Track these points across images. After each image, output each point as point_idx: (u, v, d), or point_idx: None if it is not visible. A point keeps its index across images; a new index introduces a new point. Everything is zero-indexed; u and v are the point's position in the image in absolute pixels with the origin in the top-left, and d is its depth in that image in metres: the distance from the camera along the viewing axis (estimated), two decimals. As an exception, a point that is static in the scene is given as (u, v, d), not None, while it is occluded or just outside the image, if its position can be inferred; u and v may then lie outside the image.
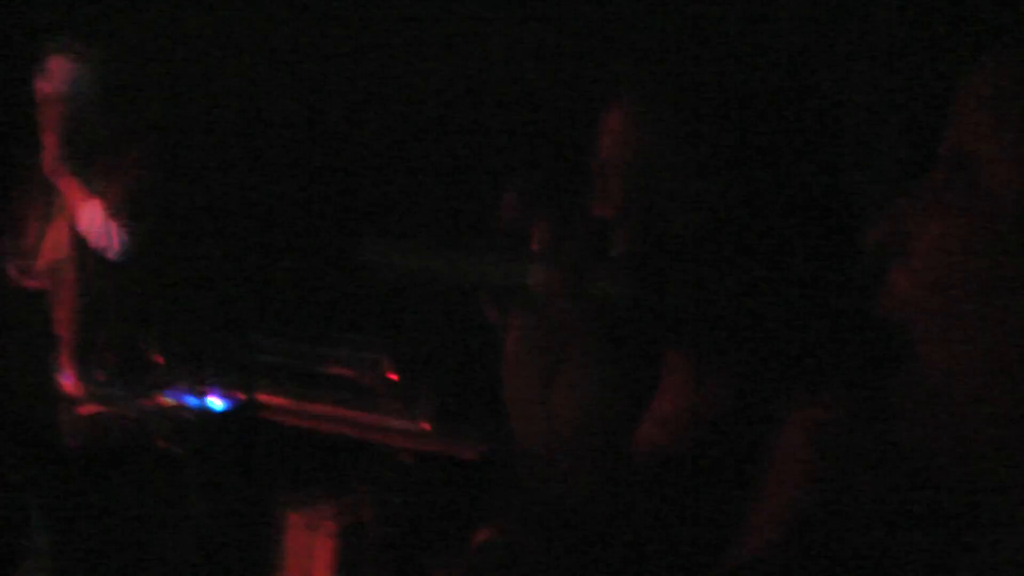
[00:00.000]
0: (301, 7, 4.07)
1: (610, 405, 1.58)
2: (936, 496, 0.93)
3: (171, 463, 3.30)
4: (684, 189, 1.55)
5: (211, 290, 3.91)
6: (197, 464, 3.29)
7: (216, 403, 3.41)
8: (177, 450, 3.30)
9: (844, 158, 1.62)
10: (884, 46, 2.92)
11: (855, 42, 2.93)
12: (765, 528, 1.32)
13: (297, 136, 4.15)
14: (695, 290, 1.52)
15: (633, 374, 1.63)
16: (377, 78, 3.95)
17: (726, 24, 3.08)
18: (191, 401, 3.42)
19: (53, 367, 3.40)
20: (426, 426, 3.19)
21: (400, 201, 3.92)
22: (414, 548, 2.99)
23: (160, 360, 3.54)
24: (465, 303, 3.33)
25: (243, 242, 4.10)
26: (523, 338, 1.68)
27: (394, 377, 3.33)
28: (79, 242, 3.51)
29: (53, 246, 3.64)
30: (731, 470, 1.43)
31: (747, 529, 1.34)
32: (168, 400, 3.43)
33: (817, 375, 1.40)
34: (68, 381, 3.44)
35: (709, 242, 1.53)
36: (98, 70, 3.61)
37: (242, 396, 3.44)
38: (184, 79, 4.21)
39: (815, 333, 1.46)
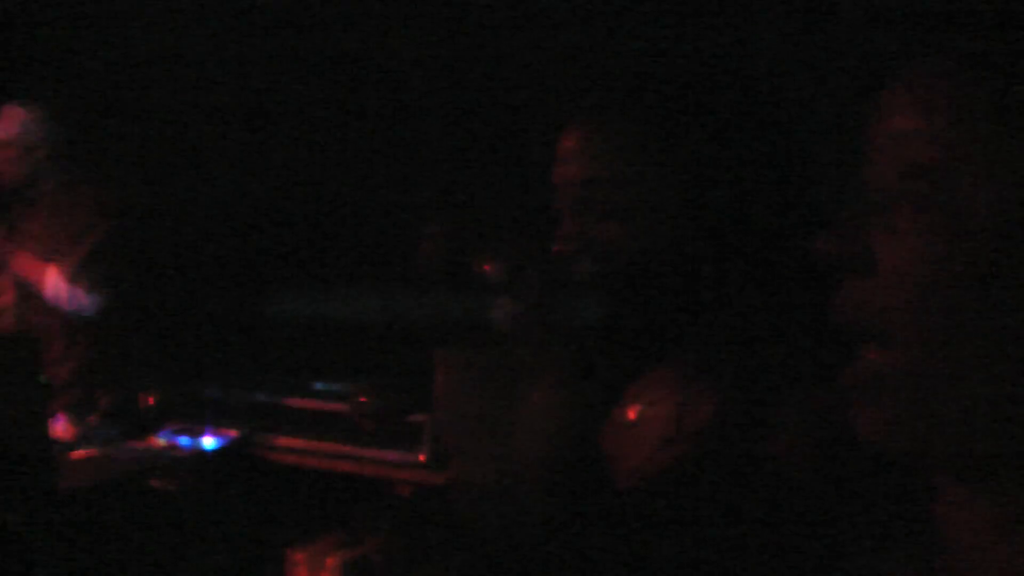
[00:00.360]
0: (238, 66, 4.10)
1: (577, 431, 1.58)
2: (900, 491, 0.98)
3: (166, 503, 3.30)
4: (646, 207, 1.56)
5: (201, 331, 3.92)
6: (193, 504, 3.30)
7: (209, 442, 3.41)
8: (172, 490, 3.30)
9: (808, 168, 1.65)
10: (849, 58, 2.96)
11: (820, 56, 2.98)
12: (767, 531, 1.35)
13: (263, 180, 4.17)
14: (667, 306, 1.54)
15: (599, 399, 1.64)
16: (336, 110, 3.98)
17: (682, 44, 3.12)
18: (184, 441, 3.42)
19: (46, 411, 3.40)
20: (422, 457, 3.21)
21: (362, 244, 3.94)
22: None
23: (152, 401, 3.55)
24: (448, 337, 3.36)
25: (231, 283, 4.12)
26: (481, 372, 1.66)
27: (388, 411, 3.35)
28: (22, 288, 3.52)
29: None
30: (731, 478, 1.45)
31: (749, 533, 1.37)
32: (161, 440, 3.43)
33: (802, 376, 1.43)
34: (60, 424, 3.45)
35: (675, 257, 1.55)
36: (54, 119, 3.62)
37: (235, 434, 3.44)
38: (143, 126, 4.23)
39: (794, 335, 1.49)
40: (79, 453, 3.35)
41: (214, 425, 3.46)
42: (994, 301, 0.82)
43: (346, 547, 3.09)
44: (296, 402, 3.50)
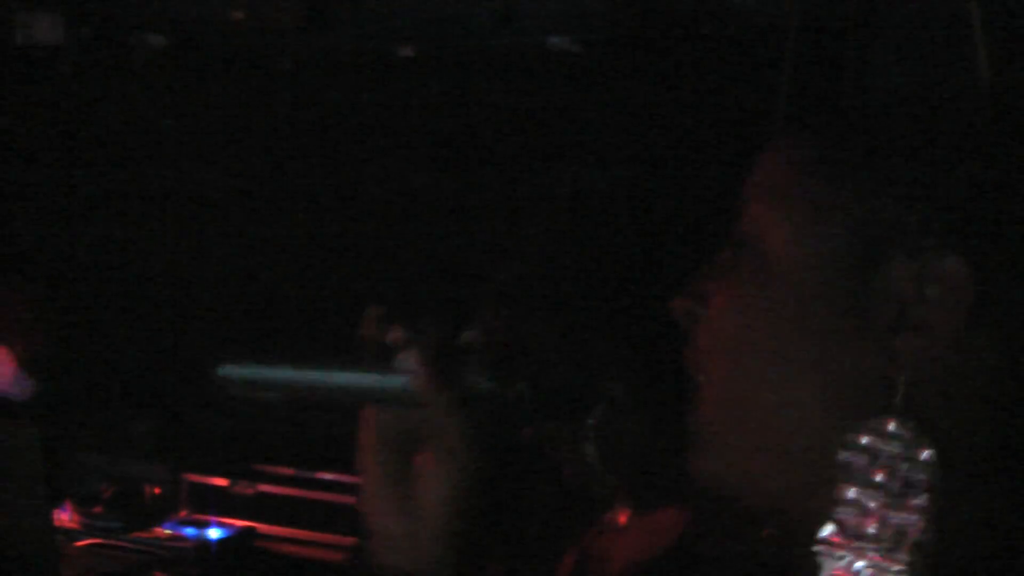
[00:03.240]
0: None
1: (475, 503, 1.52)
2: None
3: (171, 595, 3.27)
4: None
5: (209, 419, 3.91)
6: (197, 596, 3.27)
7: (215, 533, 3.39)
8: (177, 582, 3.27)
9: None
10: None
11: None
12: None
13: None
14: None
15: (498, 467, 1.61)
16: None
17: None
18: (190, 532, 3.39)
19: (49, 500, 3.37)
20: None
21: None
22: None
23: (157, 491, 3.52)
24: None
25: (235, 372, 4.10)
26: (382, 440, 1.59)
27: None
28: None
29: None
30: None
31: None
32: (166, 531, 3.41)
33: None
34: (64, 514, 3.42)
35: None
36: None
37: (242, 525, 3.42)
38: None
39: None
40: (83, 543, 3.32)
41: (220, 516, 3.44)
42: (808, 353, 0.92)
43: (355, 641, 3.05)
44: (306, 493, 3.48)
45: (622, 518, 1.60)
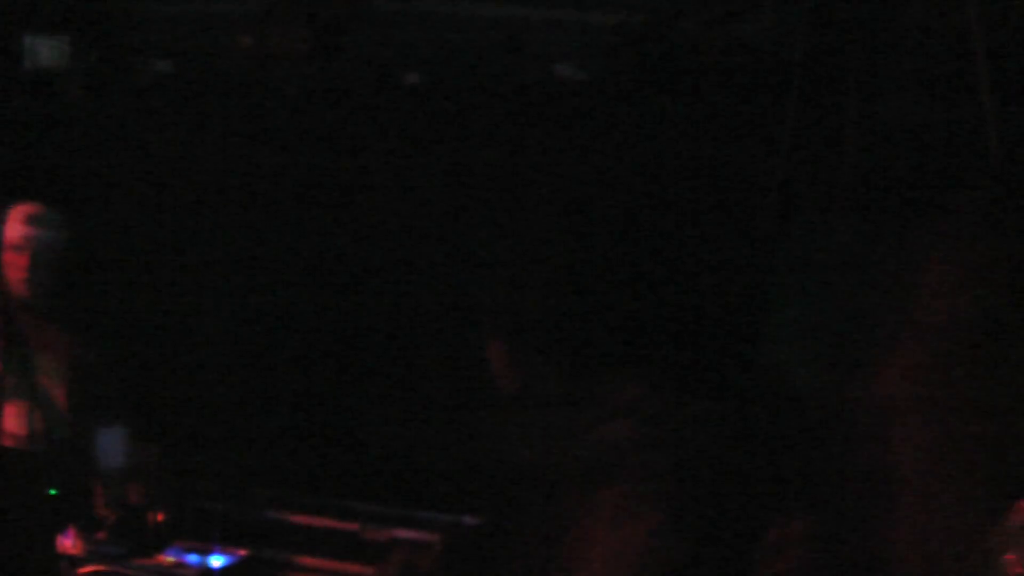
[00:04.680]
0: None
1: None
2: None
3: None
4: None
5: (212, 445, 3.91)
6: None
7: (218, 561, 3.37)
8: (180, 609, 3.26)
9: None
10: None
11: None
12: None
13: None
14: None
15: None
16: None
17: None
18: (192, 559, 3.38)
19: (53, 526, 3.36)
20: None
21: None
22: None
23: (160, 517, 3.51)
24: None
25: (244, 398, 4.11)
26: None
27: (399, 531, 3.33)
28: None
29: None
30: None
31: None
32: (169, 558, 3.39)
33: None
34: (68, 540, 3.40)
35: None
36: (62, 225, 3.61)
37: (244, 553, 3.40)
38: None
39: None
40: (86, 569, 3.30)
41: (223, 543, 3.42)
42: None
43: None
44: (308, 519, 3.47)
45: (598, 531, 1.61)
